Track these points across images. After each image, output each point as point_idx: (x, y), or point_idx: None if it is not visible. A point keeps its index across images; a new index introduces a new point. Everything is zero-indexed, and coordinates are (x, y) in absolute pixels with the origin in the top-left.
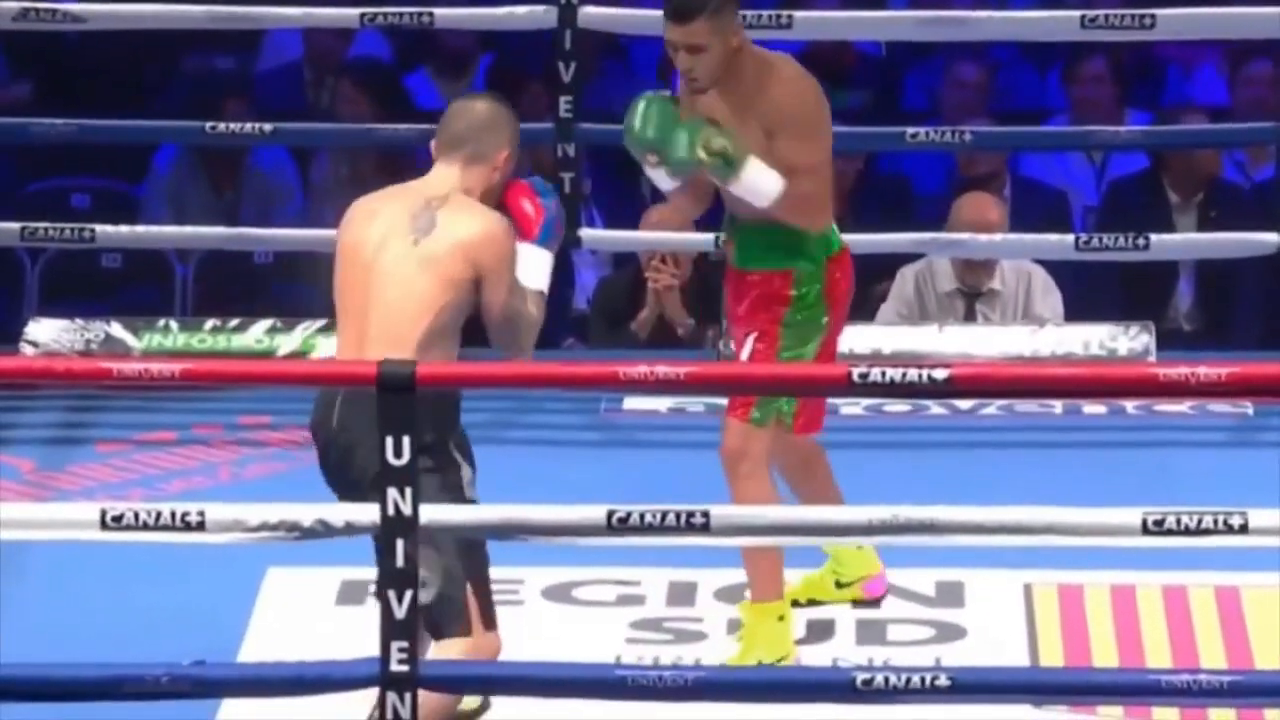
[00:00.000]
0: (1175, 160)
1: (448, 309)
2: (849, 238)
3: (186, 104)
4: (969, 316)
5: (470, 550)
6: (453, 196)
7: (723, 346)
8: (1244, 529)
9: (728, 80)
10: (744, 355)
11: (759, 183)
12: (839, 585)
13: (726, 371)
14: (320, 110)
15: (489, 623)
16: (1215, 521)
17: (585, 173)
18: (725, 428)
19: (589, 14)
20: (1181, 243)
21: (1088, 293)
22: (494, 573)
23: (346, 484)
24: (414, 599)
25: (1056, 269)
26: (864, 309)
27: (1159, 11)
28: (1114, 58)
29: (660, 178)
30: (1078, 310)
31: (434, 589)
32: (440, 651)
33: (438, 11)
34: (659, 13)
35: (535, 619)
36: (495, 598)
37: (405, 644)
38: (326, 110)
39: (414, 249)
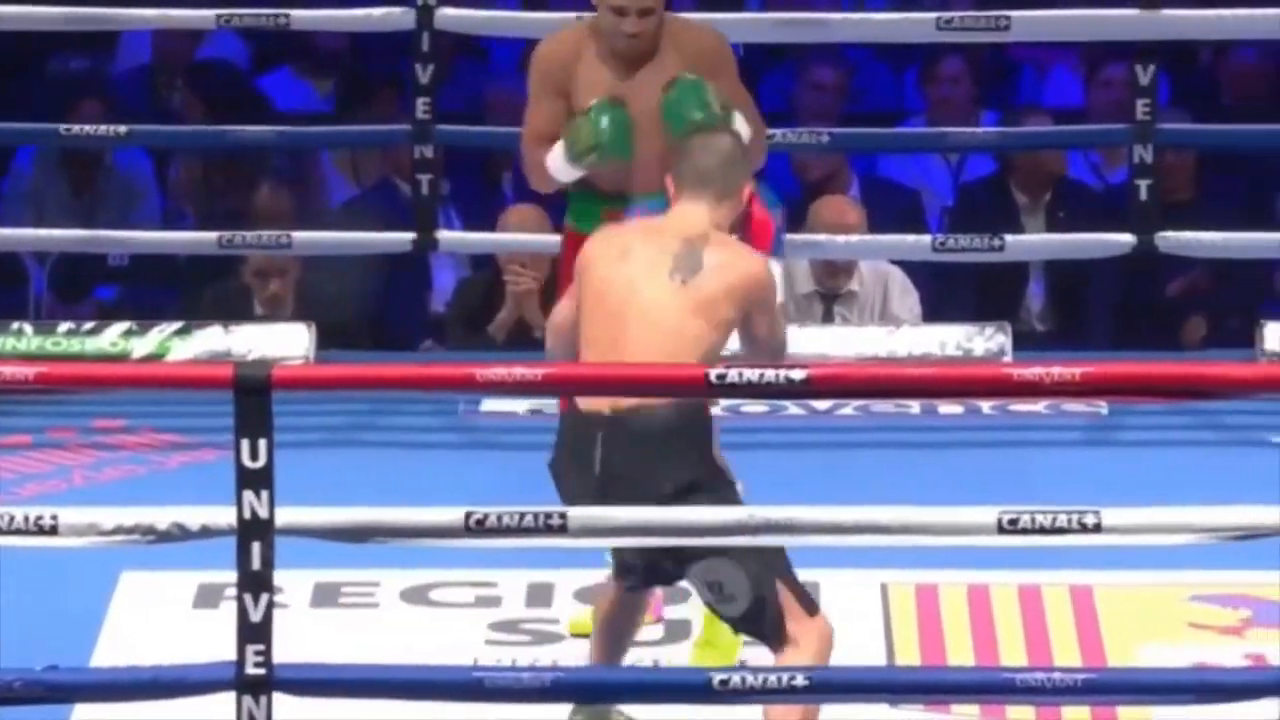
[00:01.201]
0: (1021, 162)
1: (713, 350)
2: None
3: (46, 105)
4: (827, 318)
5: (761, 547)
6: (713, 235)
7: None
8: (1098, 528)
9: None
10: None
11: (743, 128)
12: None
13: (583, 373)
14: (172, 112)
15: (811, 609)
16: (1069, 521)
17: (443, 174)
18: None
19: (446, 15)
20: (1037, 243)
21: (944, 294)
22: (350, 575)
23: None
24: (269, 602)
25: (913, 270)
26: None
27: (1014, 13)
28: (971, 59)
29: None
30: (934, 311)
31: (744, 601)
32: (790, 657)
33: (294, 13)
34: (517, 13)
35: (393, 621)
36: (352, 600)
37: (261, 647)
38: (179, 112)
39: (681, 290)
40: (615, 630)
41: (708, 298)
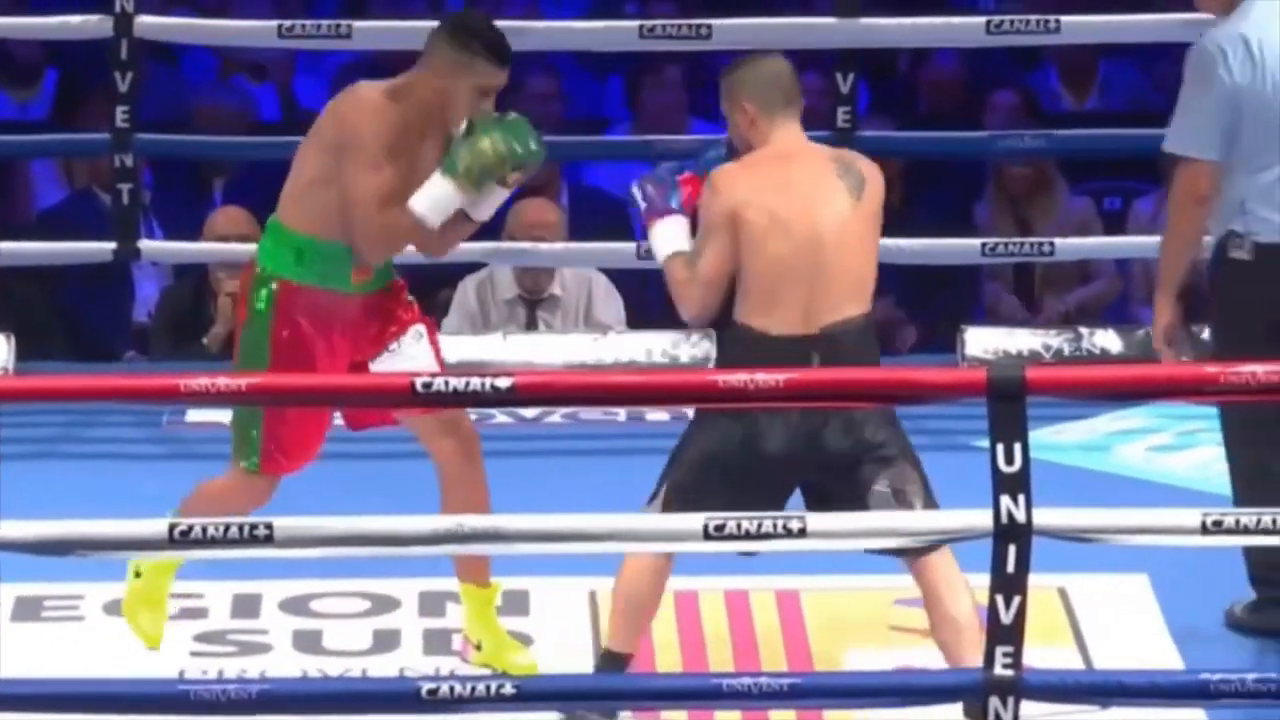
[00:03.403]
0: None
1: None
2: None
3: None
4: (530, 323)
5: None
6: (842, 150)
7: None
8: (803, 533)
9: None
10: (424, 348)
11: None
12: None
13: (288, 383)
14: None
15: None
16: (775, 526)
17: (144, 183)
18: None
19: (145, 23)
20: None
21: (652, 300)
22: (53, 588)
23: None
24: None
25: (620, 277)
26: (431, 315)
27: (715, 22)
28: (681, 67)
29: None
30: (642, 317)
31: (919, 502)
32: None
33: None
34: (215, 21)
35: (97, 634)
36: (55, 613)
37: None
38: None
39: (858, 205)
40: (649, 604)
41: (874, 209)
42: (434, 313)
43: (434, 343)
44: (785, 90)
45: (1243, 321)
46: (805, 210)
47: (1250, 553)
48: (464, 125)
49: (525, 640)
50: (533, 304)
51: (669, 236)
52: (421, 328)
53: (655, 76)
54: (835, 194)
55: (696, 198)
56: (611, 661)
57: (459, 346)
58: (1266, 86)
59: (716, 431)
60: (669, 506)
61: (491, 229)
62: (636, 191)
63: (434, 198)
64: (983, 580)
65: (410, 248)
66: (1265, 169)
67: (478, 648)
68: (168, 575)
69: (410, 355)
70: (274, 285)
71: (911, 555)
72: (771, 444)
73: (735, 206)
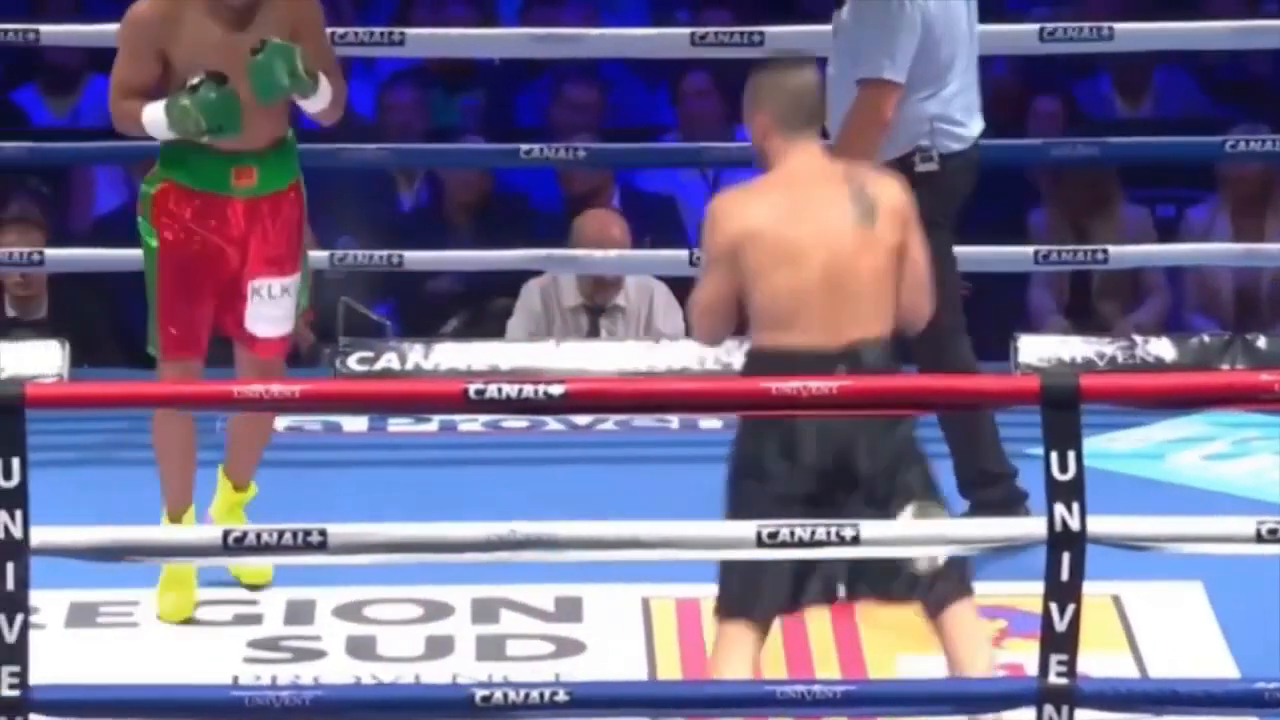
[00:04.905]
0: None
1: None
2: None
3: None
4: (593, 332)
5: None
6: (858, 169)
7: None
8: (856, 540)
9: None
10: (293, 301)
11: (327, 91)
12: None
13: (331, 390)
14: None
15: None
16: (828, 534)
17: None
18: None
19: None
20: None
21: None
22: (108, 594)
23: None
24: (25, 623)
25: (677, 286)
26: (481, 325)
27: (768, 29)
28: (720, 74)
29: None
30: None
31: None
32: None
33: (44, 28)
34: None
35: (152, 641)
36: (110, 620)
37: (16, 668)
38: None
39: (871, 233)
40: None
41: (888, 234)
42: (486, 321)
43: (294, 300)
44: (808, 107)
45: (931, 224)
46: (815, 240)
47: None
48: (252, 50)
49: (578, 648)
50: (596, 313)
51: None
52: (298, 279)
53: (690, 83)
54: (843, 221)
55: None
56: None
57: (512, 353)
58: (953, 6)
59: (754, 442)
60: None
61: (556, 237)
62: None
63: (156, 124)
64: (1038, 588)
65: None
66: (950, 85)
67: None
68: None
69: (281, 309)
70: (160, 183)
71: (931, 606)
72: (807, 454)
73: (734, 239)
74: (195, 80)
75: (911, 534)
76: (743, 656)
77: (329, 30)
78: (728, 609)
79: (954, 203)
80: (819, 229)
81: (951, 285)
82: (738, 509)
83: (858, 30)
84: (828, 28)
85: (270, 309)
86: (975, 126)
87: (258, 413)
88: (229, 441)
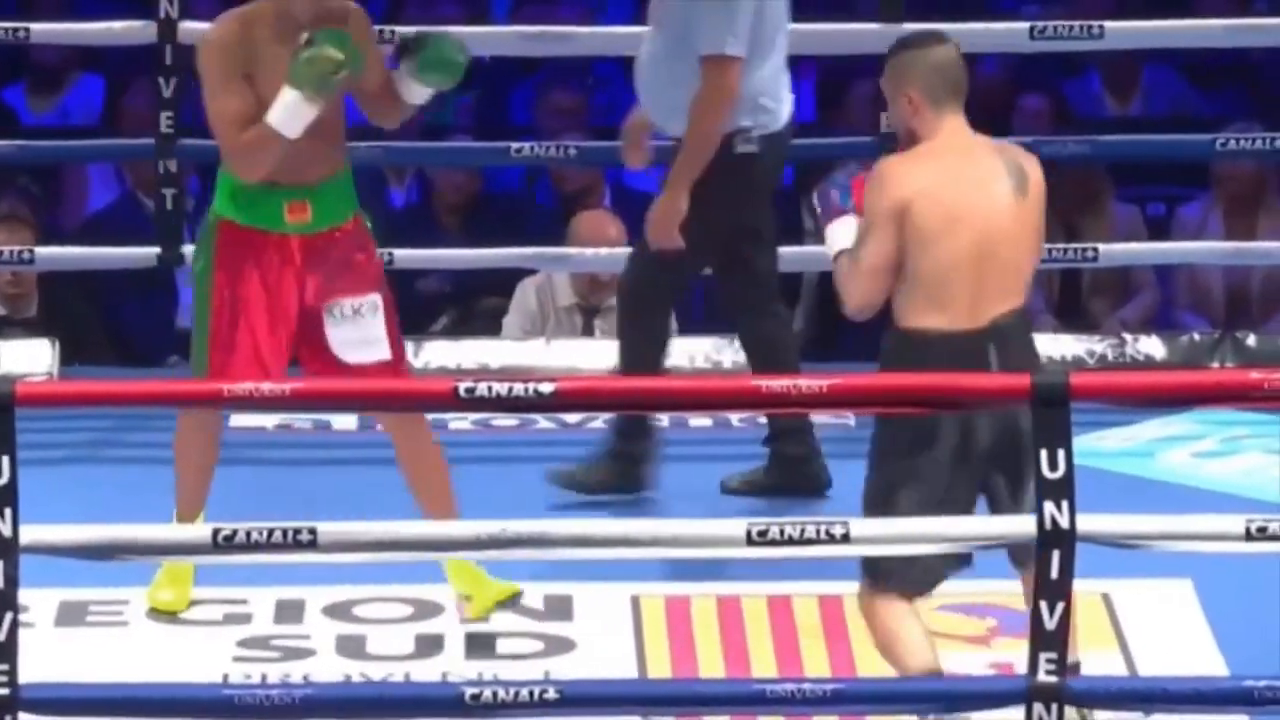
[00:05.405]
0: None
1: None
2: (464, 254)
3: None
4: (587, 331)
5: None
6: (1000, 144)
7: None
8: (846, 538)
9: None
10: (380, 322)
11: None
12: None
13: (321, 388)
14: None
15: None
16: (818, 532)
17: (190, 189)
18: None
19: (189, 28)
20: (795, 255)
21: (701, 309)
22: (98, 593)
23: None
24: (14, 621)
25: None
26: (470, 325)
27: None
28: None
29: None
30: (693, 328)
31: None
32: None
33: (34, 26)
34: None
35: (141, 639)
36: (99, 618)
37: (5, 666)
38: None
39: (1022, 201)
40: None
41: (1036, 205)
42: (475, 321)
43: (390, 320)
44: (954, 80)
45: (745, 209)
46: (976, 206)
47: None
48: (303, 38)
49: (568, 645)
50: (590, 313)
51: (839, 235)
52: (378, 299)
53: None
54: (1003, 190)
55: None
56: None
57: (502, 352)
58: None
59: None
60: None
61: (552, 237)
62: (816, 200)
63: (286, 109)
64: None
65: None
66: (770, 61)
67: (468, 599)
68: None
69: (365, 331)
70: (216, 224)
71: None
72: (982, 436)
73: (903, 200)
74: (303, 41)
75: (901, 532)
76: (918, 625)
77: None
78: (886, 586)
79: (771, 186)
80: (982, 196)
81: (767, 268)
82: (905, 480)
83: (690, 6)
84: (818, 26)
85: (349, 331)
86: (788, 108)
87: (418, 455)
88: (418, 500)
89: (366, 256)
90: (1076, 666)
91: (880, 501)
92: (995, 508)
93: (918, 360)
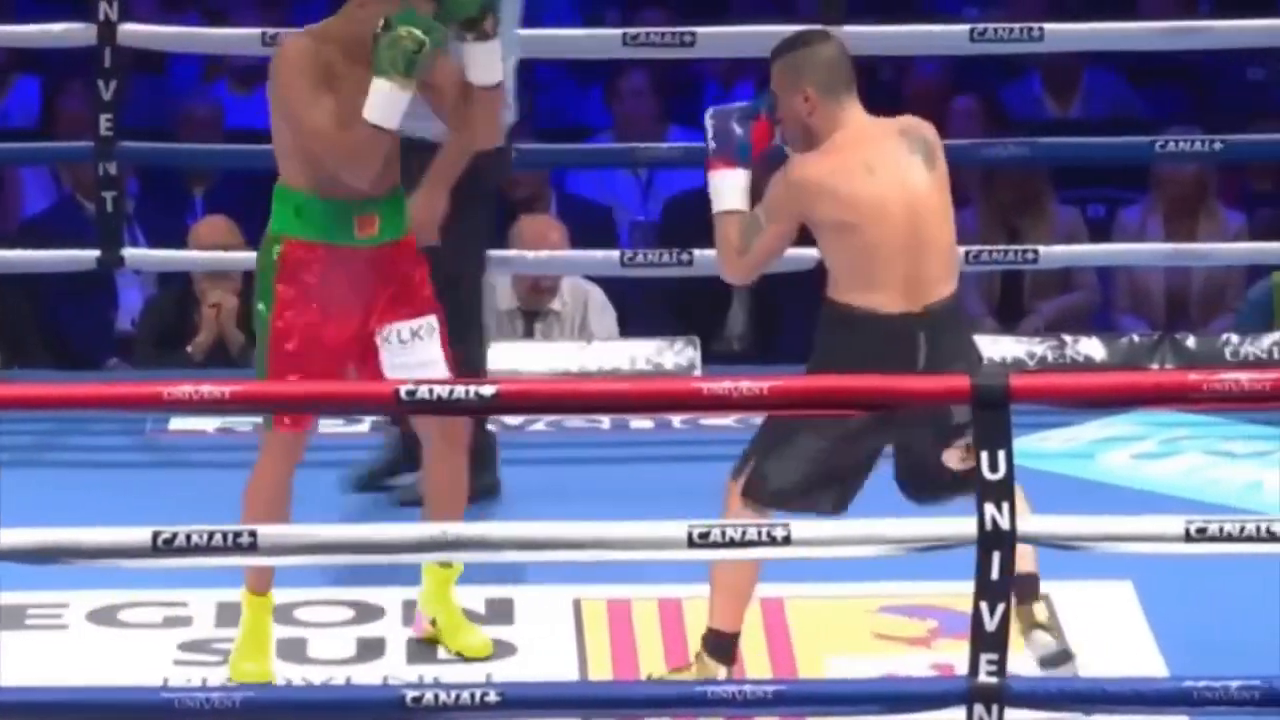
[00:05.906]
0: None
1: None
2: None
3: None
4: (528, 335)
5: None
6: (899, 120)
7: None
8: (787, 540)
9: None
10: (437, 343)
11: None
12: None
13: (262, 391)
14: None
15: None
16: (760, 534)
17: (128, 191)
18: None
19: (128, 31)
20: None
21: (642, 312)
22: (37, 596)
23: None
24: None
25: (614, 290)
26: None
27: (699, 30)
28: (655, 75)
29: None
30: (635, 330)
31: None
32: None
33: None
34: (200, 29)
35: (80, 643)
36: (38, 622)
37: None
38: None
39: (935, 172)
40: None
41: (944, 171)
42: None
43: (444, 337)
44: (845, 71)
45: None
46: (895, 190)
47: None
48: (379, 25)
49: (509, 649)
50: (531, 317)
51: (729, 191)
52: (435, 321)
53: (626, 84)
54: (915, 168)
55: (765, 144)
56: (717, 640)
57: None
58: None
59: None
60: (759, 482)
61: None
62: (709, 125)
63: (380, 101)
64: (967, 588)
65: None
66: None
67: (432, 623)
68: (266, 614)
69: (421, 354)
70: (280, 244)
71: None
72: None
73: (814, 198)
74: (380, 28)
75: (842, 534)
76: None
77: (260, 31)
78: (768, 497)
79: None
80: (895, 179)
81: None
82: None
83: None
84: (759, 28)
85: (404, 355)
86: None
87: (449, 464)
88: (429, 507)
89: (422, 273)
90: (1066, 654)
91: (779, 438)
92: (904, 458)
93: (847, 336)
